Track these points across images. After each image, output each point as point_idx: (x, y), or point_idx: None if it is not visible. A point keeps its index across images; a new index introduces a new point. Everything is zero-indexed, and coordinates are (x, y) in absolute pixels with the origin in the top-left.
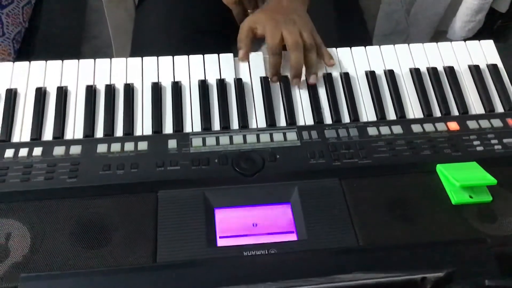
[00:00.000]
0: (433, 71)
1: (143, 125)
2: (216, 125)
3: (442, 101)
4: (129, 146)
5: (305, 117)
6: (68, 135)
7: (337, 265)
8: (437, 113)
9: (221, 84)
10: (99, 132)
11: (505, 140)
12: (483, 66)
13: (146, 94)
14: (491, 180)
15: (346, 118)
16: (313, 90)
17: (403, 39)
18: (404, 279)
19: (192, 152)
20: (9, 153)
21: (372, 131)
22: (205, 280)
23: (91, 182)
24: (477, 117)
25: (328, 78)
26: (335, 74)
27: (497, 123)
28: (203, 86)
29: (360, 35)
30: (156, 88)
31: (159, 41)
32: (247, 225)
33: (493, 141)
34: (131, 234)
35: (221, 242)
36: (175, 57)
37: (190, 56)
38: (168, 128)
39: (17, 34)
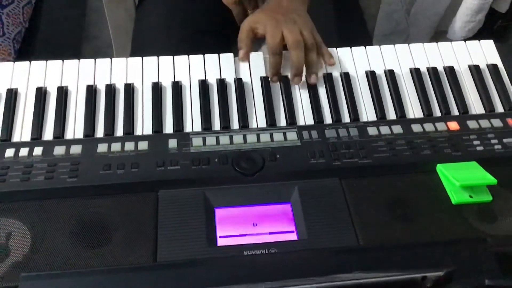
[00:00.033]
0: (433, 71)
1: (144, 125)
2: (216, 125)
3: (442, 101)
4: (129, 145)
5: (305, 117)
6: (69, 135)
7: (337, 264)
8: (437, 113)
9: (222, 84)
10: (100, 132)
11: (505, 140)
12: (483, 66)
13: (146, 94)
14: (491, 179)
15: (346, 118)
16: (313, 90)
17: (403, 39)
18: (405, 278)
19: (193, 152)
20: (9, 152)
21: (372, 131)
22: (205, 280)
23: (92, 182)
24: (477, 117)
25: (328, 78)
26: (335, 74)
27: (497, 123)
28: (204, 86)
29: (360, 35)
30: (157, 88)
31: (159, 41)
32: (247, 224)
33: (493, 141)
34: (132, 233)
35: (221, 242)
36: (176, 57)
37: (191, 56)
38: (168, 127)
39: (17, 34)
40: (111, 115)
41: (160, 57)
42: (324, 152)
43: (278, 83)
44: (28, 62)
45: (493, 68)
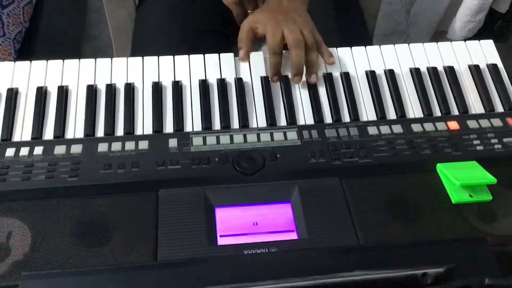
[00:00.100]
0: (433, 71)
1: (144, 125)
2: (217, 124)
3: (442, 101)
4: (129, 145)
5: (305, 116)
6: (69, 134)
7: (337, 263)
8: (437, 112)
9: (222, 83)
10: (100, 132)
11: (505, 140)
12: (483, 66)
13: (146, 94)
14: (491, 179)
15: (346, 118)
16: (314, 89)
17: (403, 39)
18: (405, 275)
19: (193, 151)
20: (10, 152)
21: (372, 130)
22: (205, 279)
23: (92, 181)
24: (477, 117)
25: (328, 78)
26: (336, 73)
27: (497, 122)
28: (204, 85)
29: (360, 35)
30: (157, 88)
31: (160, 41)
32: (248, 224)
33: (493, 141)
34: (132, 233)
35: (221, 241)
36: (176, 56)
37: (191, 55)
38: (168, 127)
39: (17, 34)
40: (112, 115)
41: (160, 57)
42: (324, 151)
43: (278, 82)
44: (28, 61)
45: (493, 68)
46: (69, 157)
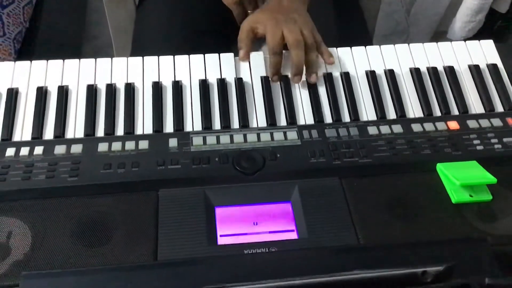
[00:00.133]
0: (433, 71)
1: (144, 124)
2: (217, 124)
3: (442, 101)
4: (130, 145)
5: (305, 116)
6: (69, 134)
7: (337, 263)
8: (437, 112)
9: (222, 83)
10: (100, 131)
11: (505, 139)
12: (483, 66)
13: (146, 93)
14: (491, 179)
15: (346, 117)
16: (314, 89)
17: (403, 39)
18: (405, 273)
19: (193, 151)
20: (10, 151)
21: (372, 130)
22: (205, 278)
23: (92, 181)
24: (477, 117)
25: (328, 78)
26: (336, 73)
27: (497, 122)
28: (204, 85)
29: (360, 35)
30: (157, 88)
31: (160, 41)
32: (248, 223)
33: (493, 140)
34: (132, 232)
35: (221, 241)
36: (176, 56)
37: (191, 55)
38: (168, 127)
39: (18, 34)
40: (112, 115)
41: (160, 57)
42: (324, 151)
43: (278, 82)
44: (28, 61)
45: (493, 68)
46: (69, 157)
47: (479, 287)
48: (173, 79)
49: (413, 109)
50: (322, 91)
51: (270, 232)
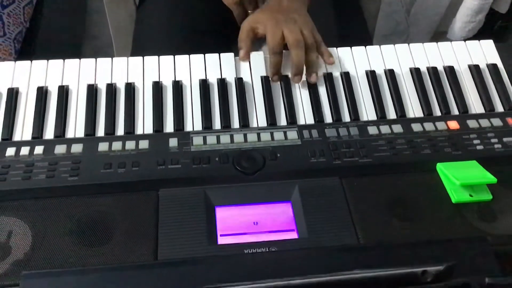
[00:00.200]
0: (433, 71)
1: (144, 124)
2: (217, 124)
3: (442, 101)
4: (130, 144)
5: (305, 116)
6: (70, 134)
7: (337, 263)
8: (437, 112)
9: (222, 83)
10: (100, 131)
11: (505, 139)
12: (483, 65)
13: (147, 93)
14: (491, 178)
15: (346, 117)
16: (314, 89)
17: (403, 39)
18: (405, 273)
19: (193, 151)
20: (10, 151)
21: (372, 130)
22: (206, 278)
23: (93, 181)
24: (477, 116)
25: (328, 78)
26: (336, 73)
27: (497, 122)
28: (204, 85)
29: (360, 35)
30: (157, 87)
31: (160, 41)
32: (248, 223)
33: (493, 140)
34: (132, 232)
35: (221, 240)
36: (176, 56)
37: (191, 55)
38: (169, 127)
39: (18, 34)
40: (112, 114)
41: (161, 57)
42: (324, 151)
43: (279, 82)
44: (29, 61)
45: (493, 68)
46: (69, 157)
47: (479, 287)
48: (174, 79)
49: (413, 109)
50: (322, 91)
51: (270, 231)
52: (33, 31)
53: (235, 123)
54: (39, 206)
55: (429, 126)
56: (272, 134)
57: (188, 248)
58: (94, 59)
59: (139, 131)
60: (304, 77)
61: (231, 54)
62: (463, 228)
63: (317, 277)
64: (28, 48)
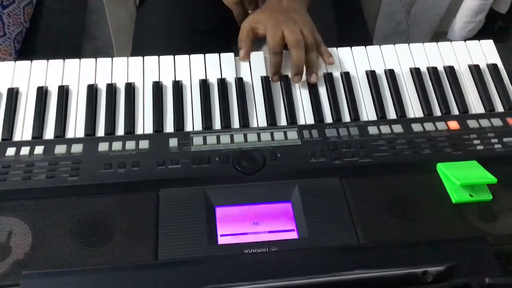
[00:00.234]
0: (433, 71)
1: (144, 124)
2: (217, 124)
3: (442, 101)
4: (130, 144)
5: (305, 116)
6: (70, 134)
7: (337, 263)
8: (437, 112)
9: (222, 83)
10: (101, 131)
11: (505, 139)
12: (483, 66)
13: (147, 93)
14: (491, 178)
15: (346, 117)
16: (314, 89)
17: (403, 39)
18: (405, 273)
19: (193, 151)
20: (10, 151)
21: (372, 130)
22: (206, 278)
23: (93, 181)
24: (477, 117)
25: (328, 78)
26: (336, 73)
27: (497, 122)
28: (204, 85)
29: (360, 35)
30: (157, 87)
31: (160, 41)
32: (248, 223)
33: (493, 140)
34: (132, 232)
35: (222, 240)
36: (176, 56)
37: (191, 55)
38: (169, 127)
39: (18, 34)
40: (112, 114)
41: (161, 57)
42: (324, 151)
43: (279, 82)
44: (29, 61)
45: (493, 68)
46: (69, 157)
47: (479, 287)
48: (174, 79)
49: (413, 109)
50: (323, 91)
51: (270, 231)
52: (33, 31)
53: (235, 123)
54: (39, 206)
55: (429, 126)
56: (272, 134)
57: (188, 248)
58: (94, 59)
59: (139, 131)
60: (304, 77)
61: (231, 54)
62: (463, 228)
63: (317, 277)
64: (28, 48)
